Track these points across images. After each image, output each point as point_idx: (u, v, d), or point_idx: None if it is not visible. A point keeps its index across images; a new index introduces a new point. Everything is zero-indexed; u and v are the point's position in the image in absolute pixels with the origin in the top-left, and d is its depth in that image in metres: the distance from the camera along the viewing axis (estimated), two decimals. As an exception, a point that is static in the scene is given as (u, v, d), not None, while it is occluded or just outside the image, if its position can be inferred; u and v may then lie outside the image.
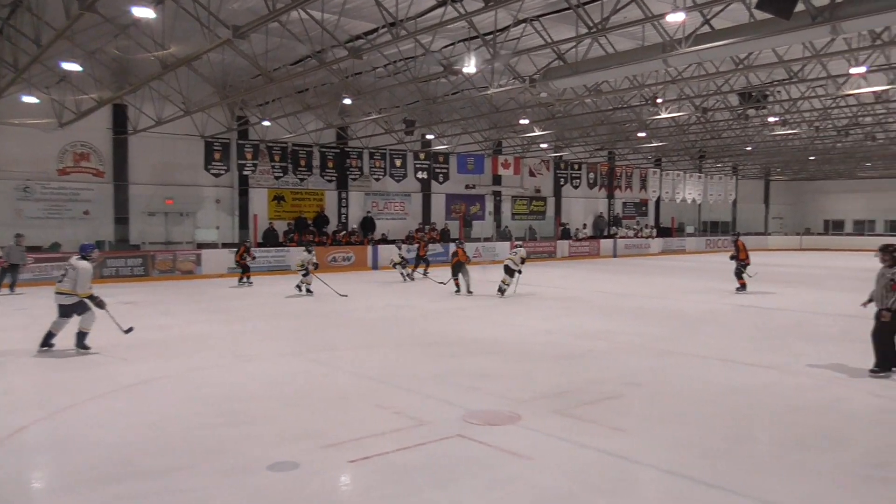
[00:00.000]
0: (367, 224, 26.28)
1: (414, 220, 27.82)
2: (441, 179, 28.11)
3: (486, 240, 28.07)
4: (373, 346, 9.86)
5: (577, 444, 5.59)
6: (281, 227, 24.17)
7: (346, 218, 26.21)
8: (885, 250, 7.89)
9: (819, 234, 43.35)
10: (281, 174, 24.17)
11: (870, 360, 8.58)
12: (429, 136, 25.47)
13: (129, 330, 9.47)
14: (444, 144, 26.71)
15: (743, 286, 16.40)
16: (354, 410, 6.54)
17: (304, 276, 16.20)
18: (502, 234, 29.58)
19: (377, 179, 26.61)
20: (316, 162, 24.92)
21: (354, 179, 26.13)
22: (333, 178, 25.54)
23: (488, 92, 16.45)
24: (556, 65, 14.67)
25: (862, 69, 14.62)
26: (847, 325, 11.79)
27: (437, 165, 27.87)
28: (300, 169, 24.54)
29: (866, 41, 13.41)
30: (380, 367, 8.40)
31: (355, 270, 23.22)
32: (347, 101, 18.01)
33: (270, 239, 23.29)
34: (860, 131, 26.41)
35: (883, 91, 18.63)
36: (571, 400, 6.87)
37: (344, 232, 25.05)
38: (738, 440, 5.70)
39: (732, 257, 16.91)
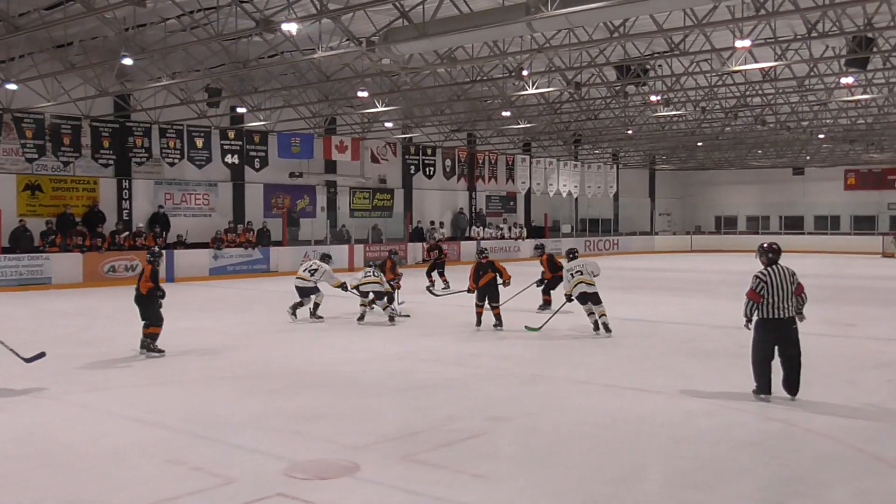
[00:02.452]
0: (159, 222, 25.18)
1: (222, 216, 27.05)
2: (258, 165, 27.53)
3: (319, 242, 27.81)
4: (163, 382, 9.42)
5: (429, 497, 5.61)
6: (37, 226, 22.57)
7: (130, 214, 25.02)
8: (761, 251, 8.40)
9: (711, 232, 46.89)
10: (35, 155, 22.57)
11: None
12: (240, 110, 24.86)
13: None
14: (262, 121, 26.18)
15: (547, 303, 16.08)
16: (137, 469, 6.20)
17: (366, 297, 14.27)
18: (338, 236, 29.44)
19: (172, 164, 25.60)
20: (86, 140, 23.53)
21: (140, 164, 24.97)
22: (111, 162, 24.29)
23: (316, 56, 16.30)
24: (399, 25, 14.80)
25: (747, 42, 15.95)
26: (743, 339, 12.75)
27: (253, 147, 27.27)
28: (64, 149, 23.03)
29: (750, 10, 14.65)
30: (172, 410, 8.03)
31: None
32: (128, 61, 17.15)
33: (22, 242, 21.70)
34: (749, 113, 28.87)
35: (771, 68, 20.47)
36: (423, 442, 6.90)
37: (127, 233, 23.86)
38: (624, 481, 5.96)
39: (541, 282, 16.31)
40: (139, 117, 24.49)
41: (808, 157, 42.66)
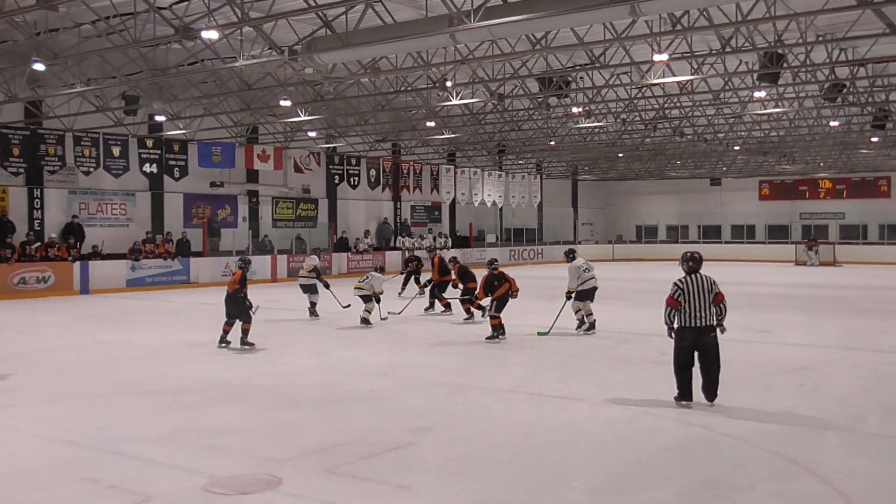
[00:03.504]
0: (73, 232, 24.41)
1: (140, 227, 26.40)
2: (177, 175, 26.98)
3: (240, 253, 27.35)
4: (74, 398, 9.13)
5: (352, 511, 5.56)
6: (-59, 238, 21.70)
7: (42, 224, 24.21)
8: (683, 259, 8.60)
9: (632, 241, 47.88)
10: (-62, 164, 21.72)
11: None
12: (159, 118, 24.34)
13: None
14: (181, 129, 25.68)
15: (470, 311, 16.01)
16: (49, 489, 5.98)
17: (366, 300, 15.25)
18: (261, 246, 29.05)
19: (87, 173, 24.88)
20: (-6, 147, 22.77)
21: (53, 172, 24.19)
22: (21, 170, 23.47)
23: (237, 64, 16.10)
24: (322, 34, 14.72)
25: (664, 56, 16.39)
26: (663, 346, 13.03)
27: (172, 156, 26.73)
28: (-30, 157, 22.24)
29: (667, 25, 15.07)
30: (84, 427, 7.78)
31: (56, 295, 21.49)
32: (39, 67, 16.63)
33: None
34: (668, 125, 29.62)
35: (687, 82, 21.05)
36: (346, 454, 6.84)
37: (38, 244, 23.07)
38: (548, 489, 6.01)
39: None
40: (52, 125, 23.74)
41: (724, 169, 43.99)
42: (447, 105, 23.09)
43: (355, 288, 15.44)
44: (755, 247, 42.50)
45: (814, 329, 14.86)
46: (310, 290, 16.78)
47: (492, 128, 30.59)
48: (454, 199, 37.91)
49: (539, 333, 13.76)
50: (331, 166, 32.48)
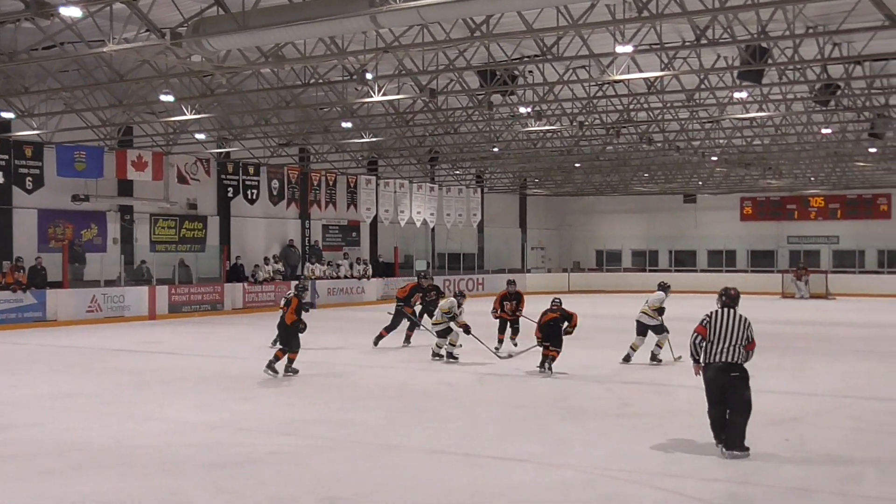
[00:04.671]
0: None
1: (-20, 252, 25.81)
2: (30, 186, 26.48)
3: (110, 283, 26.92)
4: None
5: None
6: None
7: None
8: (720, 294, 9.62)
9: (591, 269, 48.50)
10: None
11: (650, 438, 9.77)
12: (5, 115, 23.89)
13: None
14: (35, 129, 25.22)
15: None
16: None
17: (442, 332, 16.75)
18: (136, 274, 28.61)
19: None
20: None
21: None
22: None
23: (106, 50, 15.94)
24: (212, 13, 14.70)
25: (629, 48, 16.76)
26: (626, 395, 13.28)
27: (23, 163, 26.22)
28: None
29: (633, 11, 15.44)
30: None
31: None
32: None
33: None
34: (633, 130, 30.17)
35: (657, 79, 21.54)
36: (241, 531, 6.80)
37: None
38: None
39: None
40: None
41: (699, 183, 44.95)
42: (367, 102, 23.16)
43: (433, 323, 16.86)
44: (736, 276, 43.28)
45: (802, 373, 15.29)
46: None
47: (422, 130, 30.76)
48: (376, 218, 37.90)
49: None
50: (223, 176, 32.20)
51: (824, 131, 28.83)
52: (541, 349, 15.16)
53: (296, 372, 14.65)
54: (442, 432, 10.54)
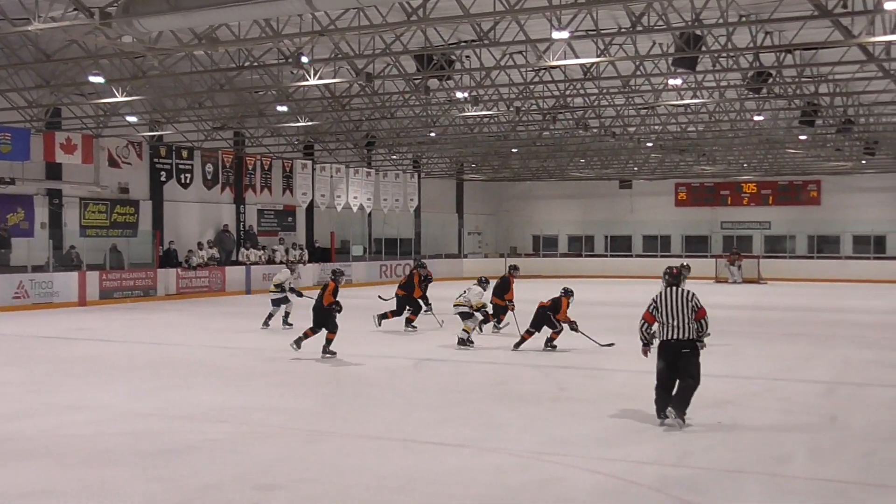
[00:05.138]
0: None
1: None
2: (-47, 170, 25.86)
3: (38, 269, 26.43)
4: None
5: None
6: None
7: None
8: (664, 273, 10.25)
9: (528, 254, 48.78)
10: None
11: (585, 422, 9.93)
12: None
13: None
14: (-41, 111, 24.66)
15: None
16: None
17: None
18: (66, 260, 28.12)
19: None
20: None
21: None
22: None
23: (31, 28, 15.61)
24: (144, -7, 14.49)
25: (565, 34, 16.87)
26: (563, 380, 13.39)
27: (-53, 146, 25.60)
28: None
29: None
30: None
31: None
32: None
33: None
34: (570, 116, 30.40)
35: (593, 65, 21.72)
36: (174, 520, 6.75)
37: None
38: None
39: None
40: None
41: (635, 169, 45.49)
42: (303, 86, 23.00)
43: (454, 305, 16.80)
44: (670, 261, 43.85)
45: (734, 357, 15.55)
46: (281, 301, 20.01)
47: (358, 115, 30.65)
48: (312, 202, 37.70)
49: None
50: (156, 160, 31.75)
51: (756, 118, 29.38)
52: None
53: (333, 354, 15.07)
54: (378, 418, 10.53)
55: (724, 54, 20.68)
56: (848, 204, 44.58)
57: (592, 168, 45.38)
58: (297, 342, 15.07)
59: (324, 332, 15.05)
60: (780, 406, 11.23)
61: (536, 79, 24.17)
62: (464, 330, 16.50)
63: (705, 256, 43.68)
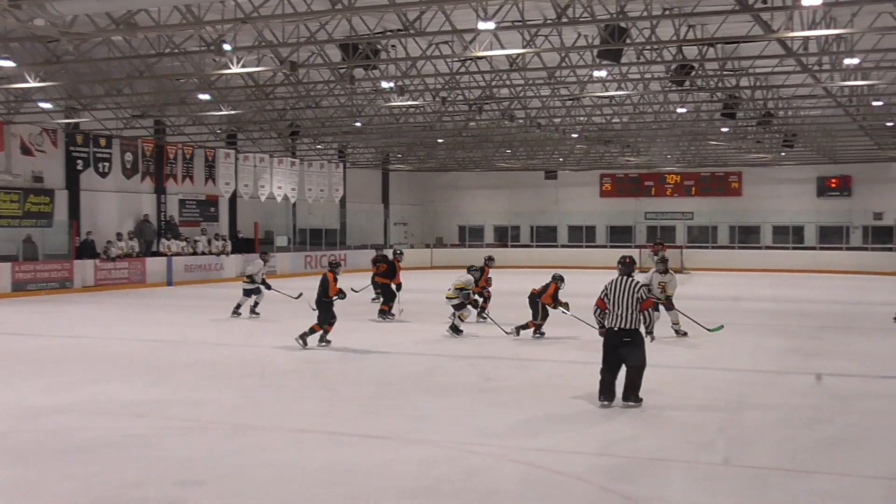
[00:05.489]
0: None
1: None
2: None
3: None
4: None
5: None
6: None
7: None
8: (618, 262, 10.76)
9: (454, 245, 48.97)
10: None
11: (511, 412, 9.99)
12: None
13: None
14: None
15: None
16: None
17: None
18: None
19: None
20: None
21: None
22: None
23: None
24: (59, -24, 14.17)
25: (491, 24, 16.93)
26: (489, 370, 13.47)
27: None
28: None
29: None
30: None
31: None
32: None
33: None
34: (496, 107, 30.54)
35: (519, 56, 21.83)
36: (93, 518, 6.64)
37: None
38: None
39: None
40: None
41: (561, 160, 45.89)
42: (225, 74, 22.71)
43: (447, 297, 16.96)
44: (595, 251, 44.54)
45: (657, 346, 15.72)
46: (252, 292, 20.26)
47: (283, 104, 30.40)
48: (235, 192, 37.26)
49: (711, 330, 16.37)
50: (72, 148, 31.05)
51: (680, 111, 29.83)
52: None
53: (329, 343, 15.35)
54: (303, 411, 10.49)
55: (648, 47, 20.95)
56: (768, 195, 45.56)
57: (518, 159, 45.69)
58: (303, 338, 15.23)
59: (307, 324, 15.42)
60: (702, 394, 11.44)
61: (462, 69, 24.21)
62: (459, 317, 16.75)
63: (629, 246, 44.18)
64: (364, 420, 9.98)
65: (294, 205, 41.48)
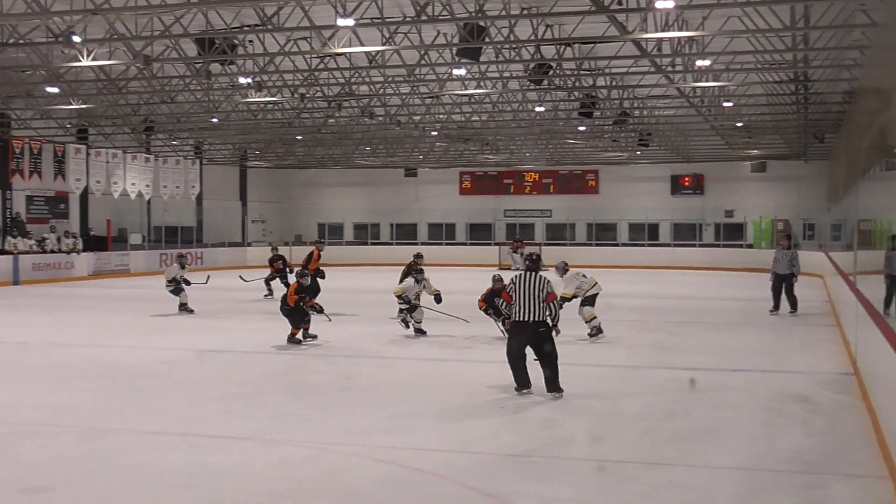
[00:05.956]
0: None
1: None
2: None
3: None
4: None
5: None
6: None
7: None
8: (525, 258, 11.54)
9: (315, 242, 48.54)
10: None
11: (371, 411, 10.07)
12: None
13: None
14: None
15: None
16: None
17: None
18: None
19: None
20: None
21: None
22: None
23: None
24: None
25: (350, 21, 16.91)
26: (349, 369, 13.44)
27: None
28: None
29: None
30: None
31: None
32: None
33: None
34: (355, 104, 30.50)
35: (378, 53, 21.86)
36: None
37: None
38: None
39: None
40: None
41: (420, 157, 46.13)
42: (75, 66, 22.01)
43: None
44: (455, 249, 44.98)
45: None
46: (176, 292, 20.37)
47: (136, 98, 29.70)
48: (86, 189, 36.15)
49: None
50: None
51: (538, 109, 30.35)
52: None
53: (304, 340, 15.40)
54: (158, 412, 10.25)
55: (507, 46, 21.25)
56: (624, 193, 46.79)
57: (378, 156, 45.71)
58: (293, 341, 15.24)
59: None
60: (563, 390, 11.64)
61: (321, 65, 24.10)
62: (416, 321, 16.28)
63: (489, 244, 44.83)
64: (222, 421, 9.82)
65: (149, 202, 40.56)
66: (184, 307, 20.39)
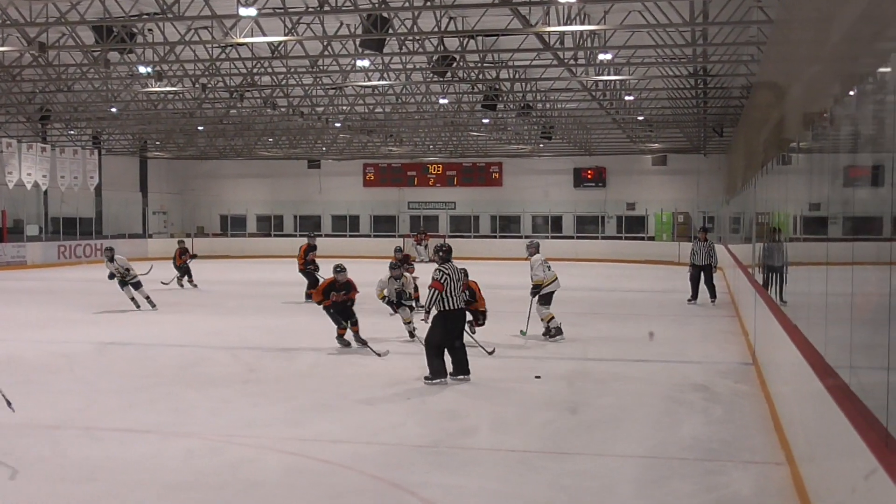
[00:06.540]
0: None
1: None
2: None
3: None
4: None
5: None
6: None
7: None
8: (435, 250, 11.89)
9: (216, 234, 48.04)
10: None
11: (276, 403, 10.04)
12: None
13: None
14: None
15: None
16: None
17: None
18: None
19: None
20: None
21: None
22: None
23: None
24: None
25: (252, 11, 16.76)
26: (253, 362, 13.35)
27: None
28: None
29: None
30: None
31: None
32: None
33: None
34: (258, 94, 30.23)
35: (281, 43, 21.68)
36: None
37: None
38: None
39: None
40: None
41: (324, 149, 45.90)
42: (-33, 54, 21.38)
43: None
44: (359, 241, 44.85)
45: (420, 335, 16.12)
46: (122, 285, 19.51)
47: (31, 86, 28.92)
48: (-20, 180, 35.16)
49: (522, 332, 15.45)
50: None
51: (442, 101, 30.47)
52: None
53: (348, 344, 14.39)
54: (58, 406, 10.04)
55: (411, 37, 21.27)
56: (527, 185, 47.21)
57: (281, 147, 45.34)
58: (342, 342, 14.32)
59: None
60: (463, 383, 11.70)
61: (223, 56, 23.80)
62: (405, 321, 15.22)
63: (393, 236, 44.77)
64: (123, 414, 9.69)
65: (45, 192, 39.51)
66: (149, 300, 19.45)
